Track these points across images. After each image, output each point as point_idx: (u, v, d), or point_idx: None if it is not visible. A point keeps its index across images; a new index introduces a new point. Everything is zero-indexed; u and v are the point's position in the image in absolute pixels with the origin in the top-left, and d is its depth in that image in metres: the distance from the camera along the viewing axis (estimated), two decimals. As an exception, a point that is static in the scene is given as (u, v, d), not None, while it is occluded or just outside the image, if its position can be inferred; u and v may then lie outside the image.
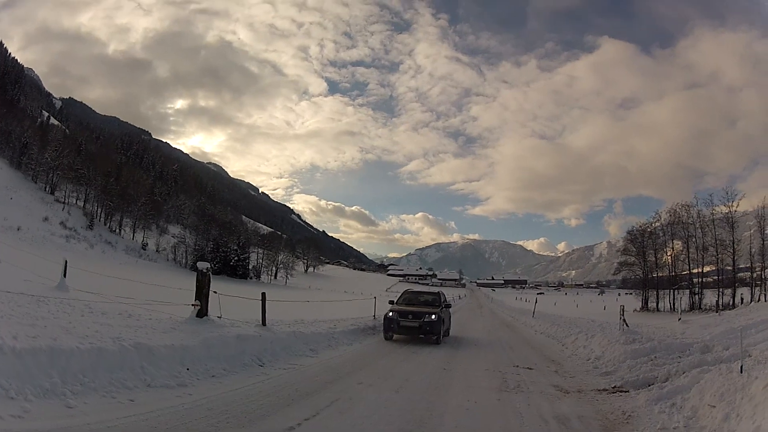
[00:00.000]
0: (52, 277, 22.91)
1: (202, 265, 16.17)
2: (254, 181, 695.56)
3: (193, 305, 15.76)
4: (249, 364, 13.55)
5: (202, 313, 15.64)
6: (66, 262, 23.46)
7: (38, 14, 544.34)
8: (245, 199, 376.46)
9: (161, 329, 13.74)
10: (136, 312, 16.51)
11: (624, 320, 22.67)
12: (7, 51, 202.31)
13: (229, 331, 14.73)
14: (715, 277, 64.03)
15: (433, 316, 22.07)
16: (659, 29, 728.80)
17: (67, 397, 8.72)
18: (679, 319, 34.44)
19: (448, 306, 25.76)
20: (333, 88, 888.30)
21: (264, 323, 17.25)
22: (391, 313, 22.51)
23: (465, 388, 12.65)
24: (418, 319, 21.92)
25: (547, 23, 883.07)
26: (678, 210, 67.19)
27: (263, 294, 18.04)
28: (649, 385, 12.25)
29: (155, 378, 10.50)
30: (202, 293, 15.77)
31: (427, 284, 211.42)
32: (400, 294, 26.80)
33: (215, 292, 16.17)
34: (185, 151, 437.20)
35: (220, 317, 16.17)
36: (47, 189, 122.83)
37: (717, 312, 47.05)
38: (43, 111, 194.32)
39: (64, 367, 9.26)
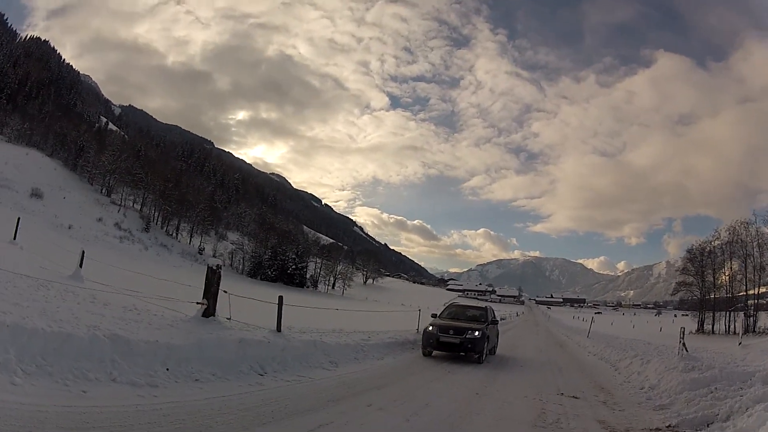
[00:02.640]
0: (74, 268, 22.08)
1: (212, 262, 14.99)
2: (316, 192, 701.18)
3: (198, 303, 14.58)
4: (246, 372, 12.22)
5: (208, 313, 14.44)
6: (83, 252, 22.86)
7: (92, 23, 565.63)
8: (308, 210, 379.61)
9: (156, 325, 12.97)
10: (143, 306, 15.78)
11: (683, 344, 20.29)
12: (61, 57, 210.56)
13: (232, 335, 13.43)
14: None
15: (476, 333, 20.18)
16: (712, 42, 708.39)
17: (17, 375, 8.48)
18: (740, 344, 31.89)
19: (495, 322, 24.06)
20: (395, 102, 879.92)
21: (279, 329, 15.64)
22: (430, 327, 20.74)
23: (493, 421, 10.84)
24: (459, 335, 20.05)
25: (604, 38, 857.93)
26: (737, 227, 64.44)
27: (280, 297, 16.37)
28: (709, 425, 10.39)
29: (124, 373, 9.85)
30: (210, 292, 14.58)
31: (486, 300, 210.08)
32: (444, 307, 24.84)
33: (225, 292, 14.92)
34: (248, 161, 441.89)
35: (229, 319, 14.93)
36: (103, 191, 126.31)
37: None
38: (102, 117, 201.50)
39: (24, 345, 9.08)
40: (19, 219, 32.12)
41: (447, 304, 25.55)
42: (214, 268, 14.73)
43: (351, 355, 17.22)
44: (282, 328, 15.76)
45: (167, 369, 10.62)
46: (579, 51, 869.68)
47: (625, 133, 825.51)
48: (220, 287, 14.66)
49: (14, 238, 29.78)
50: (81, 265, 21.81)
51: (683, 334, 20.79)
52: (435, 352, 20.76)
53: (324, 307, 30.93)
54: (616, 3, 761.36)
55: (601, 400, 13.98)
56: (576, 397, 13.92)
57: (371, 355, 18.31)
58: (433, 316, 22.85)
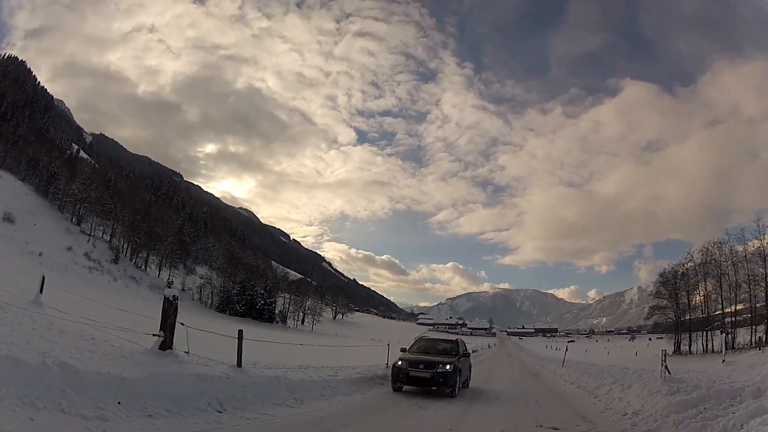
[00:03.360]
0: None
1: (169, 293, 14.27)
2: (284, 227, 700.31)
3: (155, 336, 13.83)
4: (203, 409, 11.53)
5: (165, 345, 13.70)
6: (44, 277, 22.66)
7: (66, 48, 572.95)
8: (276, 245, 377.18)
9: (110, 356, 12.48)
10: (100, 337, 15.38)
11: (666, 367, 19.66)
12: (36, 79, 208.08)
13: (189, 369, 12.75)
14: (748, 315, 61.53)
15: (448, 366, 19.48)
16: (679, 67, 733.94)
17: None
18: (723, 361, 31.40)
19: (467, 355, 23.39)
20: (362, 137, 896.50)
21: (239, 364, 14.86)
22: (400, 362, 20.00)
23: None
24: (430, 369, 19.32)
25: (570, 68, 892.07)
26: (710, 248, 65.16)
27: (240, 331, 15.64)
28: (702, 447, 9.82)
29: (73, 405, 9.39)
30: (167, 324, 13.88)
31: (457, 333, 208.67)
32: (413, 341, 24.09)
33: (182, 324, 14.25)
34: (216, 195, 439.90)
35: (187, 353, 14.23)
36: (73, 220, 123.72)
37: (759, 349, 44.20)
38: (73, 144, 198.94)
39: (-30, 370, 8.69)
40: None
41: (417, 338, 24.68)
42: (171, 299, 14.01)
43: (317, 391, 16.44)
44: (243, 363, 15.01)
45: (119, 402, 10.08)
46: (545, 83, 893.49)
47: (593, 163, 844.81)
48: (177, 319, 13.92)
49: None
50: (41, 291, 21.41)
51: (665, 356, 20.29)
52: (406, 388, 20.00)
53: (288, 342, 30.12)
54: (582, 33, 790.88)
55: (583, 430, 13.47)
56: (556, 429, 13.26)
57: (338, 392, 17.52)
58: (403, 350, 22.18)
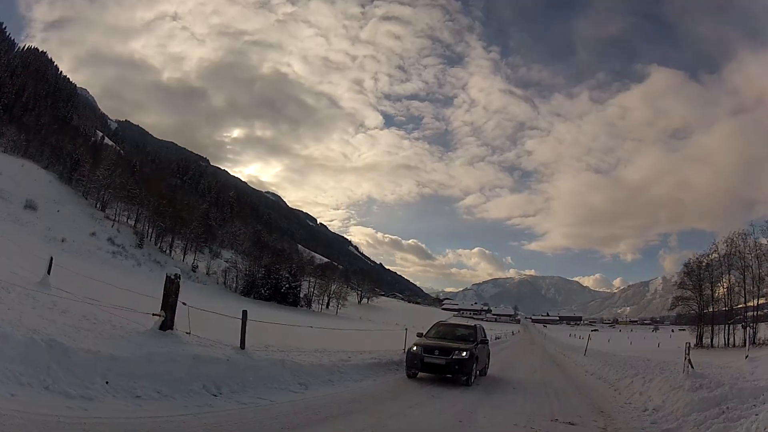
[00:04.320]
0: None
1: (171, 271, 13.89)
2: (311, 211, 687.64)
3: (155, 315, 13.51)
4: (198, 392, 11.08)
5: (166, 326, 13.40)
6: (51, 258, 22.39)
7: (88, 38, 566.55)
8: (303, 229, 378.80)
9: (107, 335, 12.30)
10: (104, 317, 15.00)
11: (689, 360, 18.73)
12: (58, 69, 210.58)
13: (186, 350, 12.35)
14: None
15: (464, 353, 18.81)
16: (704, 54, 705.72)
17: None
18: (747, 357, 30.48)
19: (485, 342, 22.80)
20: (389, 121, 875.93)
21: (243, 346, 14.39)
22: (415, 348, 19.38)
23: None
24: (445, 355, 18.69)
25: (596, 53, 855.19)
26: (735, 239, 64.77)
27: (244, 312, 15.10)
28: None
29: (58, 382, 9.19)
30: (167, 303, 13.56)
31: (482, 319, 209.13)
32: (430, 326, 23.26)
33: (184, 304, 13.86)
34: (243, 179, 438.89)
35: (188, 333, 13.88)
36: (98, 206, 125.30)
37: None
38: (98, 131, 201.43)
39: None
40: None
41: (435, 324, 23.75)
42: (173, 277, 13.68)
43: (325, 376, 15.88)
44: (249, 346, 14.57)
45: (106, 382, 9.78)
46: (571, 67, 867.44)
47: (620, 149, 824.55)
48: (189, 301, 13.54)
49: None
50: (49, 272, 21.21)
51: (689, 349, 19.42)
52: (421, 374, 19.44)
53: (300, 324, 29.50)
54: (607, 16, 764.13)
55: (600, 426, 12.62)
56: (572, 423, 12.49)
57: (348, 377, 16.96)
58: (419, 335, 21.49)
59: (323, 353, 19.47)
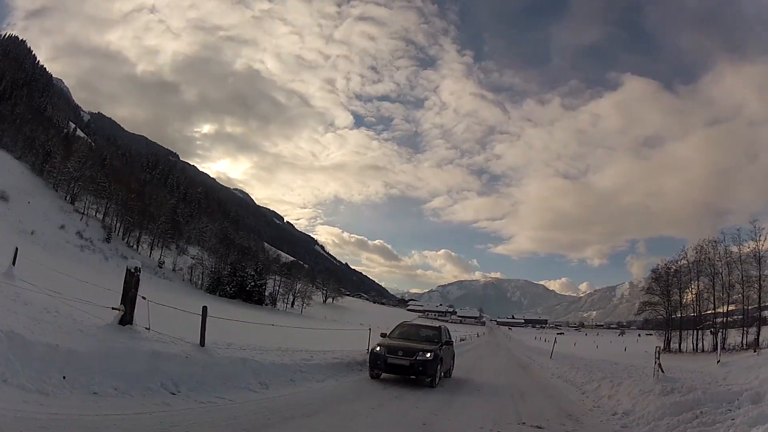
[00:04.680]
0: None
1: (132, 264, 13.46)
2: (278, 209, 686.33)
3: (115, 309, 13.13)
4: (155, 390, 10.79)
5: (125, 320, 13.00)
6: (17, 249, 22.34)
7: (67, 27, 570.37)
8: (270, 227, 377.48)
9: (66, 329, 11.85)
10: (65, 310, 14.63)
11: (659, 364, 18.63)
12: (36, 58, 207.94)
13: (146, 346, 11.99)
14: (740, 317, 61.41)
15: (428, 354, 18.57)
16: (682, 65, 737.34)
17: None
18: (719, 362, 30.62)
19: (450, 343, 22.63)
20: (359, 121, 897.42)
21: (202, 344, 13.95)
22: (378, 348, 19.09)
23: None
24: (409, 356, 18.40)
25: (571, 60, 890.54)
26: (705, 246, 65.19)
27: (204, 308, 14.76)
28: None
29: (16, 376, 8.97)
30: (127, 297, 13.17)
31: (447, 321, 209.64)
32: (394, 327, 22.98)
33: (144, 298, 13.50)
34: (211, 176, 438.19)
35: (148, 329, 13.48)
36: (67, 198, 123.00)
37: (755, 351, 43.75)
38: (70, 122, 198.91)
39: None
40: None
41: (399, 324, 23.44)
42: (132, 270, 13.27)
43: (286, 376, 15.57)
44: (209, 343, 14.23)
45: (64, 377, 9.56)
46: (545, 73, 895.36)
47: (590, 156, 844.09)
48: (138, 292, 13.17)
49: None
50: (14, 263, 20.86)
51: (659, 353, 19.35)
52: (384, 375, 19.19)
53: (261, 322, 29.21)
54: (585, 24, 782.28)
55: (568, 430, 12.53)
56: (540, 427, 12.32)
57: (311, 377, 16.67)
58: (383, 335, 21.17)
59: (285, 352, 19.22)
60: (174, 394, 10.88)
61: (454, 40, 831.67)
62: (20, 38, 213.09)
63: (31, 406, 8.17)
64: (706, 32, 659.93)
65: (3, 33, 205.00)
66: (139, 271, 13.48)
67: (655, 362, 18.24)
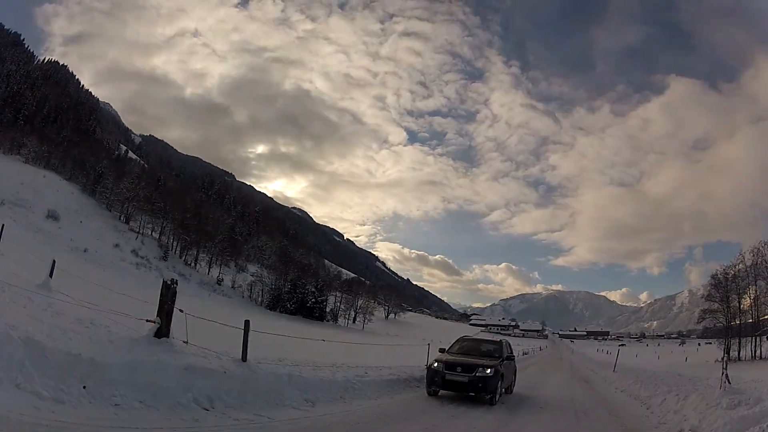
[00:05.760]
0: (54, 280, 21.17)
1: (168, 276, 12.83)
2: (337, 227, 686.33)
3: (149, 321, 12.69)
4: (185, 404, 10.32)
5: (161, 333, 12.49)
6: (54, 261, 22.24)
7: (108, 53, 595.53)
8: (330, 244, 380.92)
9: (96, 339, 11.65)
10: (101, 321, 14.48)
11: (726, 375, 17.38)
12: (80, 83, 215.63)
13: (180, 359, 11.52)
14: None
15: (488, 371, 17.73)
16: (721, 62, 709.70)
17: None
18: None
19: (511, 358, 21.54)
20: (412, 137, 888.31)
21: (244, 359, 13.40)
22: (436, 364, 18.42)
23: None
24: (468, 372, 17.64)
25: (615, 64, 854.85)
26: (761, 249, 64.79)
27: (246, 322, 14.14)
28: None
29: (31, 381, 8.79)
30: (163, 310, 12.68)
31: (509, 335, 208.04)
32: (453, 341, 22.16)
33: (181, 311, 12.96)
34: (269, 195, 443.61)
35: (186, 342, 12.87)
36: (121, 218, 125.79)
37: None
38: (121, 145, 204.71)
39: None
40: (3, 226, 31.59)
41: (458, 338, 22.54)
42: (169, 283, 12.90)
43: (336, 393, 14.94)
44: (253, 358, 13.59)
45: (84, 387, 9.33)
46: (591, 80, 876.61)
47: (642, 162, 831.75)
48: (182, 307, 12.77)
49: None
50: (51, 275, 20.79)
51: (726, 363, 18.13)
52: (442, 392, 18.42)
53: (306, 337, 28.47)
54: (623, 26, 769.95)
55: (632, 451, 11.54)
56: (603, 449, 11.37)
57: (363, 394, 16.02)
58: (441, 351, 20.49)
59: (340, 368, 18.60)
60: (207, 410, 10.43)
61: (500, 51, 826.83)
62: (61, 63, 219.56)
63: (41, 413, 8.01)
64: (740, 25, 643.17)
65: (42, 58, 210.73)
66: (176, 284, 13.12)
67: (722, 372, 17.06)
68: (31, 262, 31.66)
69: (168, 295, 12.62)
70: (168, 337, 12.42)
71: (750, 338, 60.88)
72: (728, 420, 11.89)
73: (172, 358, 11.34)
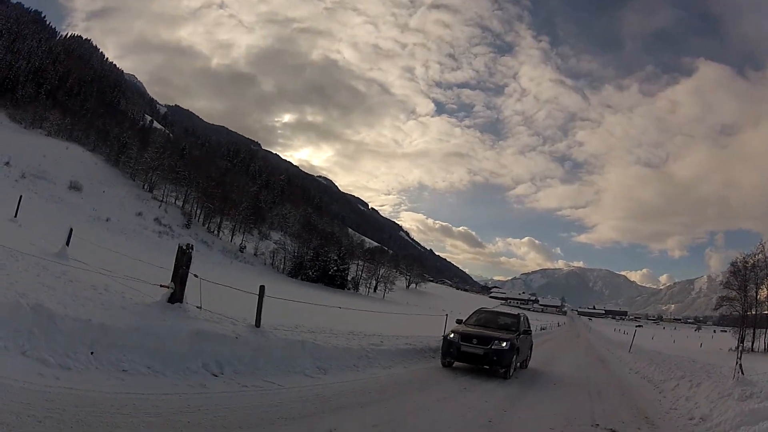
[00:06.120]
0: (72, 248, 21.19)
1: (184, 241, 12.98)
2: (362, 196, 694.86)
3: (163, 286, 12.79)
4: (195, 370, 10.20)
5: (175, 298, 12.57)
6: (71, 229, 22.19)
7: (134, 26, 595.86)
8: (354, 213, 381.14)
9: (108, 305, 11.66)
10: (115, 287, 14.54)
11: (740, 365, 17.04)
12: (104, 56, 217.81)
13: (192, 325, 11.48)
14: None
15: (504, 344, 17.48)
16: (749, 50, 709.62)
17: None
18: None
19: (528, 332, 21.35)
20: (440, 108, 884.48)
21: (258, 324, 13.28)
22: (452, 335, 18.15)
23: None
24: (484, 345, 17.39)
25: (644, 45, 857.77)
26: None
27: (261, 287, 13.75)
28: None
29: (38, 348, 8.69)
30: (177, 275, 12.77)
31: (529, 309, 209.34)
32: (471, 313, 21.87)
33: (195, 276, 12.96)
34: (294, 163, 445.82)
35: (199, 308, 12.95)
36: (145, 187, 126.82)
37: None
38: (146, 115, 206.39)
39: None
40: (21, 197, 32.35)
41: (476, 310, 22.19)
42: (184, 248, 12.93)
43: (349, 361, 14.79)
44: (264, 323, 13.46)
45: (92, 353, 9.21)
46: (620, 58, 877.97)
47: (669, 144, 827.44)
48: (190, 270, 12.73)
49: (15, 216, 29.77)
50: (68, 244, 20.80)
51: (741, 353, 17.91)
52: (456, 364, 18.28)
53: (322, 303, 28.45)
54: (654, 8, 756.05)
55: (643, 435, 11.34)
56: (613, 431, 11.19)
57: (376, 363, 15.86)
58: (458, 321, 20.22)
59: (356, 336, 18.55)
60: (216, 376, 10.31)
61: (529, 25, 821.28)
62: (84, 37, 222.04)
63: (45, 380, 7.87)
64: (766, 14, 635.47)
65: (65, 33, 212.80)
66: (191, 249, 13.17)
67: (737, 362, 16.75)
68: (49, 232, 31.72)
69: (183, 259, 12.68)
70: (181, 303, 12.46)
71: (765, 329, 60.33)
72: (739, 412, 11.55)
73: (184, 324, 11.32)
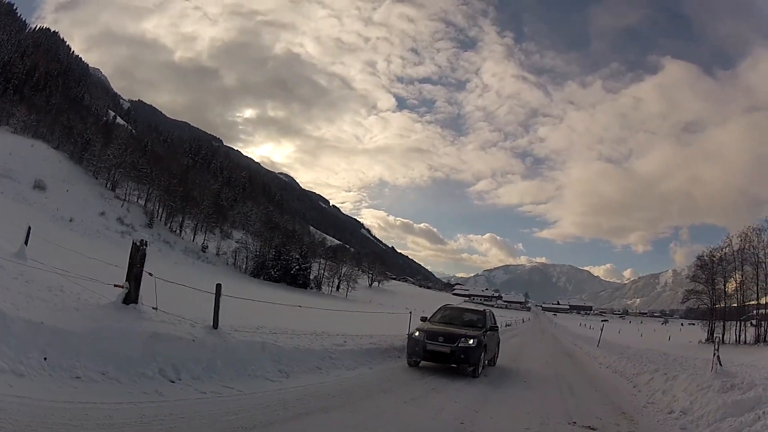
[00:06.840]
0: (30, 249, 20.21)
1: (137, 236, 12.33)
2: (323, 193, 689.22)
3: (117, 286, 12.20)
4: (150, 376, 9.72)
5: (130, 299, 11.92)
6: (29, 228, 21.30)
7: (100, 18, 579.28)
8: (315, 210, 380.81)
9: (61, 306, 11.10)
10: (71, 288, 13.77)
11: (718, 357, 16.87)
12: (71, 49, 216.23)
13: (147, 327, 10.90)
14: None
15: (471, 341, 17.17)
16: (719, 50, 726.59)
17: None
18: None
19: (495, 329, 21.01)
20: (401, 104, 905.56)
21: (215, 326, 12.55)
22: (417, 333, 17.79)
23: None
24: (450, 343, 17.07)
25: (611, 43, 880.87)
26: (749, 234, 64.10)
27: (218, 285, 13.28)
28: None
29: None
30: (132, 273, 12.07)
31: (492, 305, 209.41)
32: (436, 310, 21.56)
33: (150, 275, 12.36)
34: (255, 160, 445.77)
35: (155, 309, 12.33)
36: (108, 185, 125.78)
37: None
38: (110, 110, 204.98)
39: None
40: None
41: (441, 307, 21.92)
42: (138, 244, 12.27)
43: (312, 363, 14.35)
44: (224, 325, 12.83)
45: (45, 358, 8.74)
46: (586, 56, 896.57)
47: (632, 140, 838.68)
48: (145, 268, 12.11)
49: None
50: (27, 243, 19.86)
51: (718, 344, 17.72)
52: (423, 363, 17.93)
53: (283, 303, 27.97)
54: (624, 7, 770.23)
55: (623, 431, 11.15)
56: (593, 428, 10.88)
57: (340, 364, 15.45)
58: (423, 319, 19.84)
59: (318, 336, 18.00)
60: (173, 382, 9.85)
61: (494, 21, 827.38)
62: (52, 30, 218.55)
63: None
64: (744, 18, 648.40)
65: (34, 26, 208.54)
66: (146, 245, 12.49)
67: (714, 354, 16.60)
68: (10, 232, 31.12)
69: (137, 257, 12.02)
70: (137, 304, 11.86)
71: (734, 322, 61.18)
72: (721, 404, 11.42)
73: (139, 326, 10.80)
